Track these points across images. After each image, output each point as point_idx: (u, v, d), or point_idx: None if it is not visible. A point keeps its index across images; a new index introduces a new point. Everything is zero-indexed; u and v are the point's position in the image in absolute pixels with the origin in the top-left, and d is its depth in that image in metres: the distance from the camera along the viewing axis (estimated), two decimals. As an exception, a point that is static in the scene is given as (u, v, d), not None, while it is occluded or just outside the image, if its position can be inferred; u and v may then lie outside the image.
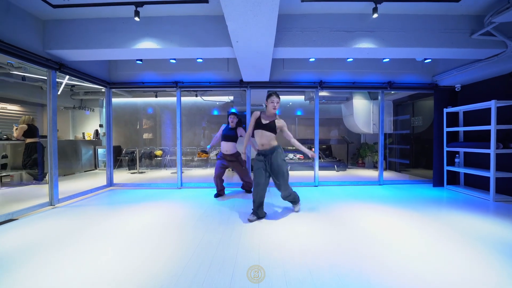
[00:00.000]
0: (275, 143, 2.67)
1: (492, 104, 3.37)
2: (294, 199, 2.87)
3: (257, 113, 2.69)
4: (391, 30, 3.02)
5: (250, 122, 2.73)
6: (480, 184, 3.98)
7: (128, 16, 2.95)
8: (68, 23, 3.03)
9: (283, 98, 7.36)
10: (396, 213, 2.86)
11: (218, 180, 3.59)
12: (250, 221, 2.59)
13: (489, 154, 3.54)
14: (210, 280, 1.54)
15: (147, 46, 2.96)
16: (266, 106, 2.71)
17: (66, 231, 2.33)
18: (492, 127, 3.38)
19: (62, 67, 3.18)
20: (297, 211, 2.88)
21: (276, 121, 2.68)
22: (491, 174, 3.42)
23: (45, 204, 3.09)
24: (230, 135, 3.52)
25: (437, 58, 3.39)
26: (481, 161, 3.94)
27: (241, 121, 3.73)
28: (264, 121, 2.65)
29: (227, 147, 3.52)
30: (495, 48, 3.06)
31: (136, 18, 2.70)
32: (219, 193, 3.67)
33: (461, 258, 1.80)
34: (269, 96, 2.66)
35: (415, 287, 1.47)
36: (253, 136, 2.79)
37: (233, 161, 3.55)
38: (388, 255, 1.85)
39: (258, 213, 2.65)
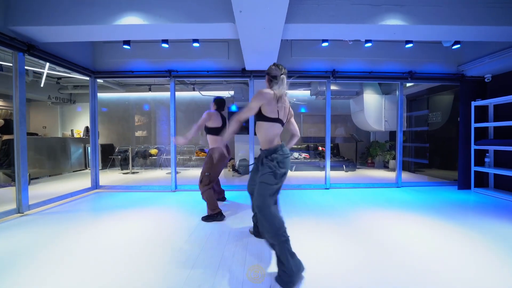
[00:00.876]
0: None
1: (537, 95, 2.89)
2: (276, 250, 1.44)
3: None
4: (424, 4, 2.53)
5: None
6: (514, 186, 3.51)
7: (109, -14, 2.46)
8: (37, -5, 2.52)
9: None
10: (429, 223, 2.36)
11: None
12: (252, 233, 2.11)
13: (530, 152, 3.06)
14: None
15: (131, 21, 2.45)
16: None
17: (29, 246, 1.84)
18: (536, 122, 2.91)
19: (31, 49, 2.66)
20: None
21: None
22: (535, 176, 2.94)
23: (12, 212, 2.60)
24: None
25: (475, 40, 2.85)
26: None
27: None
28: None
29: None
30: (548, 26, 2.57)
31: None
32: (218, 198, 3.17)
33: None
34: None
35: None
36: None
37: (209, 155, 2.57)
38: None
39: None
